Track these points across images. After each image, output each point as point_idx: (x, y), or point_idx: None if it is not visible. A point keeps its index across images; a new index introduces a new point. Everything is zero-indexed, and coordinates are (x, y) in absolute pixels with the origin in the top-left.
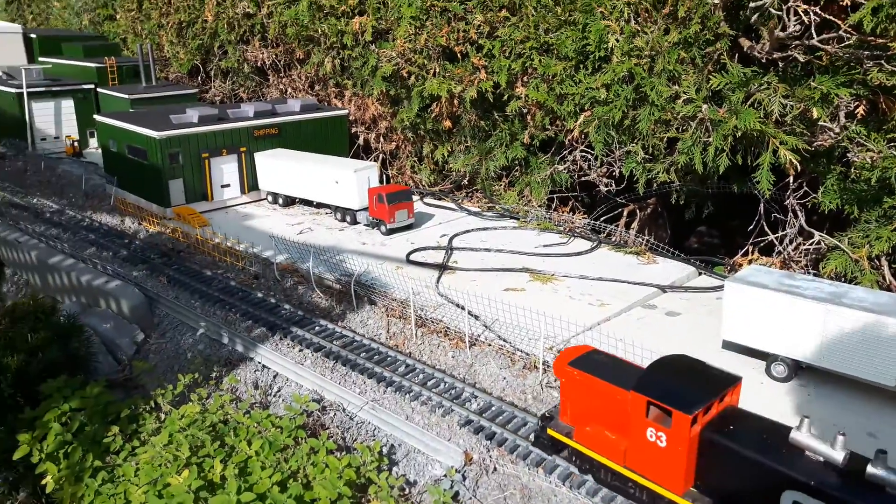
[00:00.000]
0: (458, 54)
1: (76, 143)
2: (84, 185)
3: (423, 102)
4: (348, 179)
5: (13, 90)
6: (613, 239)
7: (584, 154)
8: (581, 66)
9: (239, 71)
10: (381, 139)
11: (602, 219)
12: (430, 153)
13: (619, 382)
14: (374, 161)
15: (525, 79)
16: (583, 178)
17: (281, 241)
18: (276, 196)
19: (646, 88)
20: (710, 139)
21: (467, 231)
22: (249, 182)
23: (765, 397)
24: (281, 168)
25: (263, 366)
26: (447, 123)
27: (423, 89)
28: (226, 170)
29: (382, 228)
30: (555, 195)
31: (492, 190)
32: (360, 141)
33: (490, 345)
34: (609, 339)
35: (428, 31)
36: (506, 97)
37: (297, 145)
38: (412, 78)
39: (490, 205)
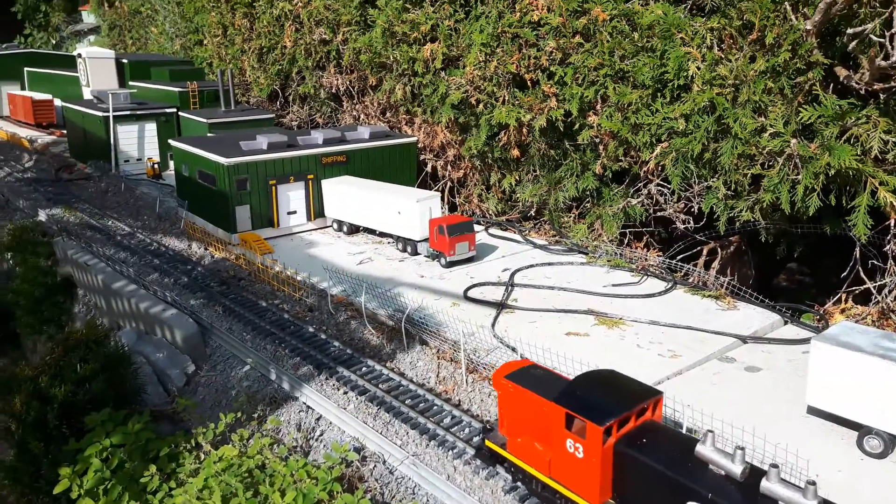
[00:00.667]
0: (529, 82)
1: (156, 166)
2: (158, 207)
3: (491, 130)
4: (410, 209)
5: (100, 113)
6: (690, 280)
7: (659, 188)
8: (658, 94)
9: (315, 96)
10: (450, 167)
11: (679, 257)
12: (498, 182)
13: (545, 394)
14: (442, 188)
15: (598, 107)
16: (658, 214)
17: (335, 273)
18: (340, 224)
19: (728, 120)
20: (800, 177)
21: (531, 266)
22: (316, 209)
23: (852, 474)
24: (346, 196)
25: (308, 406)
26: (515, 152)
27: (491, 117)
28: (293, 196)
29: (442, 261)
30: (628, 230)
31: (560, 222)
32: (429, 168)
33: None
34: (677, 399)
35: (498, 58)
36: (577, 126)
37: (366, 173)
38: (481, 106)
39: (557, 238)
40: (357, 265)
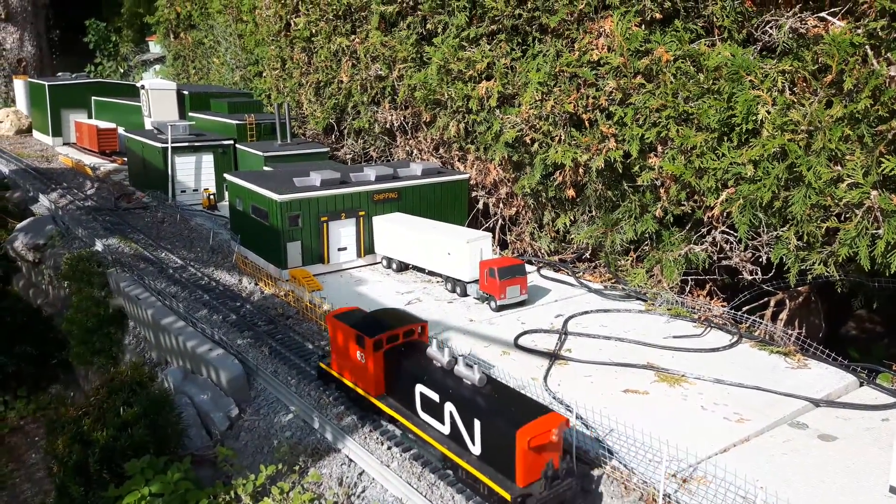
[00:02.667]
0: (587, 121)
1: (212, 197)
2: (211, 239)
3: (546, 170)
4: (460, 250)
5: (159, 144)
6: (756, 333)
7: (725, 235)
8: (725, 138)
9: (370, 131)
10: (502, 204)
11: (745, 308)
12: (552, 221)
13: (350, 325)
14: (493, 226)
15: (660, 149)
16: (723, 262)
17: None
18: (390, 261)
19: (801, 168)
20: (881, 231)
21: (585, 312)
22: (366, 246)
23: None
24: (396, 234)
25: (350, 460)
26: (570, 192)
27: (546, 157)
28: (343, 233)
29: (492, 304)
30: (689, 277)
31: (616, 265)
32: (480, 205)
33: (602, 465)
34: (748, 476)
35: (555, 98)
36: (637, 167)
37: (417, 209)
38: (536, 145)
39: (613, 281)
40: (405, 305)
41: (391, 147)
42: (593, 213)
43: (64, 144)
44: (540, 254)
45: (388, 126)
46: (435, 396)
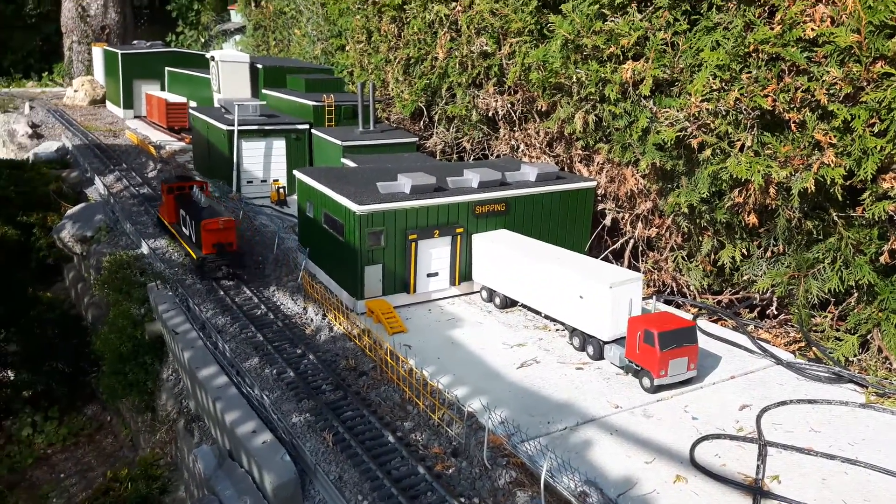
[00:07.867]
0: (792, 124)
1: (282, 190)
2: (276, 246)
3: (717, 185)
4: (599, 296)
5: (224, 126)
6: None
7: None
8: None
9: (466, 118)
10: (640, 223)
11: None
12: (712, 251)
13: (164, 181)
14: (621, 247)
15: None
16: None
17: (494, 408)
18: (492, 293)
19: None
20: None
21: (783, 403)
22: (462, 271)
23: None
24: (503, 259)
25: None
26: (752, 219)
27: (721, 168)
28: (435, 255)
29: (645, 382)
30: None
31: (809, 324)
32: (607, 221)
33: None
34: None
35: (742, 87)
36: (869, 193)
37: (528, 226)
38: (707, 151)
39: (803, 346)
40: (517, 369)
41: (490, 139)
42: (779, 248)
43: (135, 118)
44: (687, 292)
45: (489, 114)
46: (185, 214)
